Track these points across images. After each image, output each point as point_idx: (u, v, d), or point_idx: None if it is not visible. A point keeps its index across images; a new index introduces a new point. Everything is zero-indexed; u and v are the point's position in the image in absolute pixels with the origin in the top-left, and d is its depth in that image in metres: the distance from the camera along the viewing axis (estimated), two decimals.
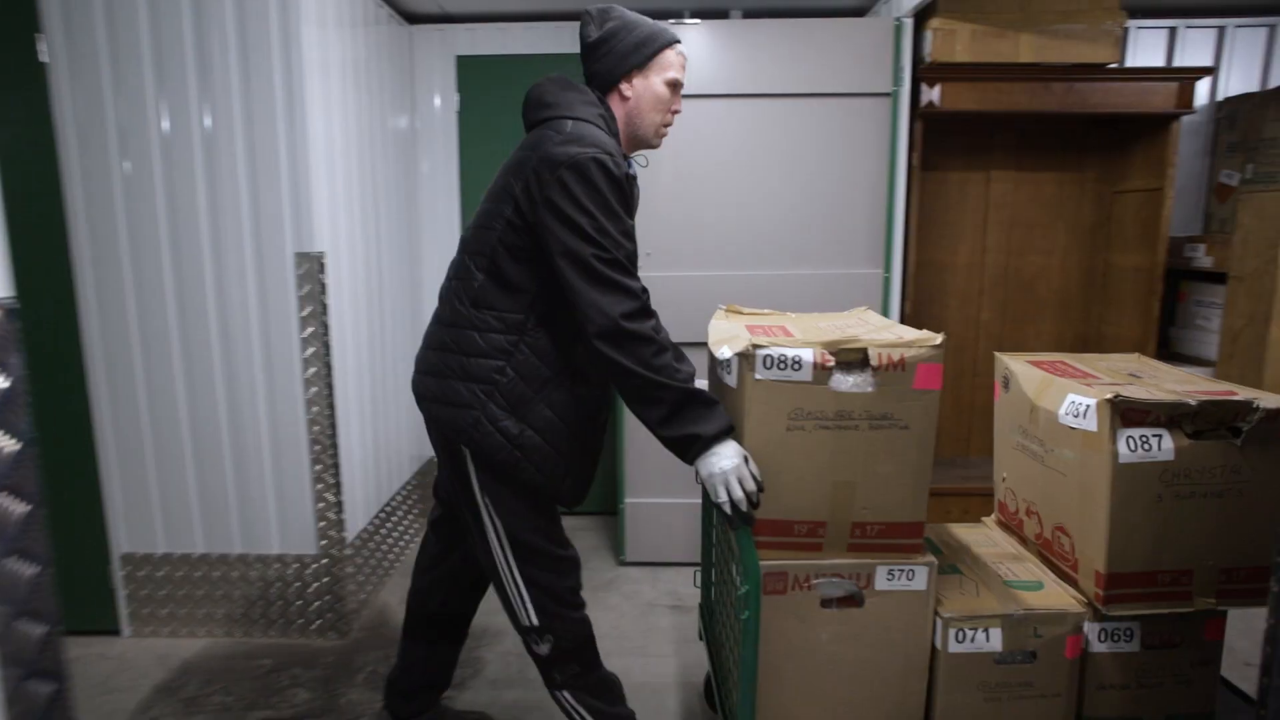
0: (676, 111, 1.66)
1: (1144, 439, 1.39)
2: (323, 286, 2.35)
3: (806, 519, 1.48)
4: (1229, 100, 3.17)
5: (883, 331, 1.53)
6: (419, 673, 1.92)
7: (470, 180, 3.40)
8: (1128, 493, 1.41)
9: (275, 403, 2.39)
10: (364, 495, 2.72)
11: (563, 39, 3.30)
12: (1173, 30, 3.19)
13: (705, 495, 1.79)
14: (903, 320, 2.92)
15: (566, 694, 1.68)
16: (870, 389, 1.41)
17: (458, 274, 1.60)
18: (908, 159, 2.81)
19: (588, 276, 1.42)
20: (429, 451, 3.51)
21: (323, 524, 2.46)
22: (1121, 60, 2.74)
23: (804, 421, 1.42)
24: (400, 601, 2.78)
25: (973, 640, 1.49)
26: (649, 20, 1.61)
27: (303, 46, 2.23)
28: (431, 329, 1.66)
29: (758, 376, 1.41)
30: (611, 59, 1.57)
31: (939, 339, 1.42)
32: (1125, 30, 2.90)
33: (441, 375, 1.58)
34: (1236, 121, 3.11)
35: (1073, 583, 1.57)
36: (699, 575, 2.08)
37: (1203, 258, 3.04)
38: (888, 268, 2.88)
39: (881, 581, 1.50)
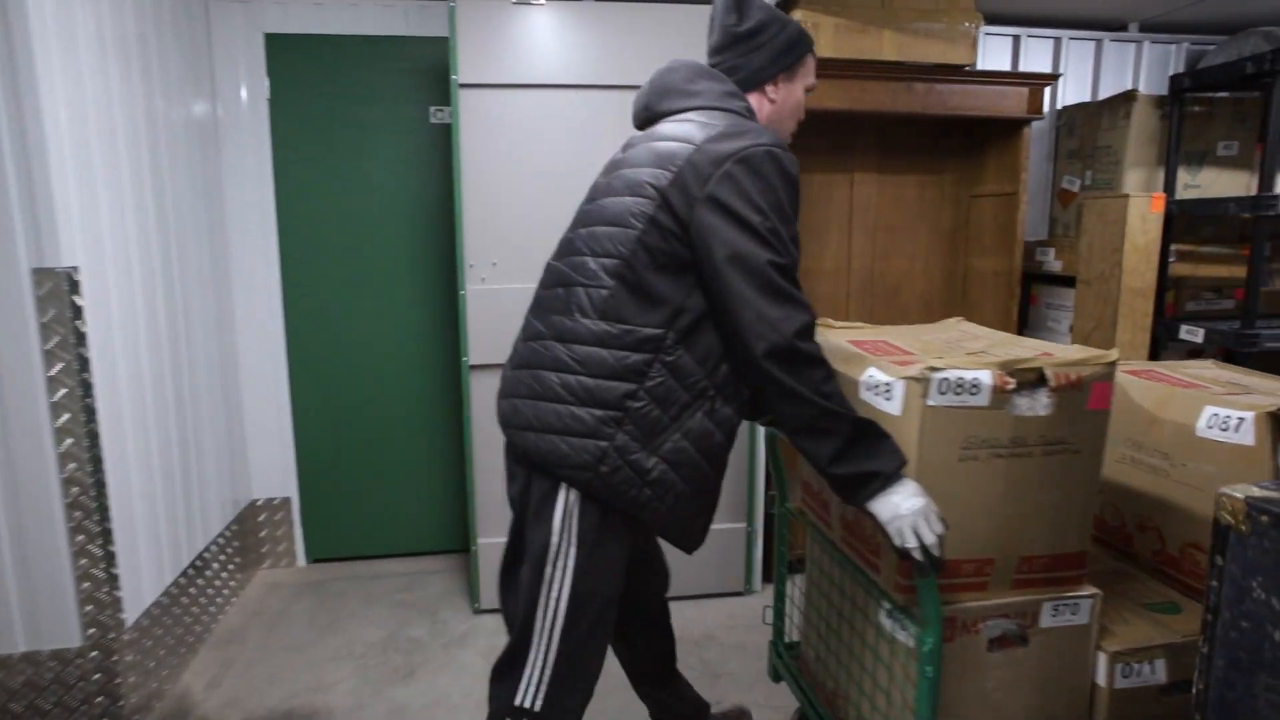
0: (802, 120, 1.56)
1: None
2: (76, 310, 1.86)
3: (975, 557, 1.36)
4: (1067, 108, 3.26)
5: (1013, 347, 1.45)
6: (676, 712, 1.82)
7: (288, 178, 2.93)
8: None
9: (11, 463, 1.87)
10: (154, 560, 2.23)
11: (391, 20, 2.90)
12: (1017, 39, 3.24)
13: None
14: None
15: None
16: (1045, 412, 1.31)
17: (573, 280, 1.36)
18: None
19: (759, 285, 1.24)
20: (251, 494, 3.01)
21: (89, 607, 1.96)
22: (975, 64, 2.71)
23: (978, 450, 1.30)
24: (207, 685, 2.31)
25: (1139, 674, 1.40)
26: (784, 15, 1.46)
27: (28, 12, 1.74)
28: (532, 346, 1.39)
29: (931, 403, 1.27)
30: (762, 56, 1.43)
31: (1113, 355, 1.34)
32: (1002, 32, 2.89)
33: (552, 400, 1.32)
34: (1075, 129, 3.19)
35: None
36: (768, 612, 1.98)
37: (1052, 261, 3.09)
38: None
39: (1046, 618, 1.39)
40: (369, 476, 3.14)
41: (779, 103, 1.48)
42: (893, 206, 3.20)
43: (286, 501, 3.08)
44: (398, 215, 3.02)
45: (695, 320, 1.32)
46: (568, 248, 1.41)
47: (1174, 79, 2.84)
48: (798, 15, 2.55)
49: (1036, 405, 1.30)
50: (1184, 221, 2.92)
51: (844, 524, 1.56)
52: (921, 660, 1.27)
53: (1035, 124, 2.98)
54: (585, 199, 1.45)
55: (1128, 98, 2.93)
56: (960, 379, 1.26)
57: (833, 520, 1.62)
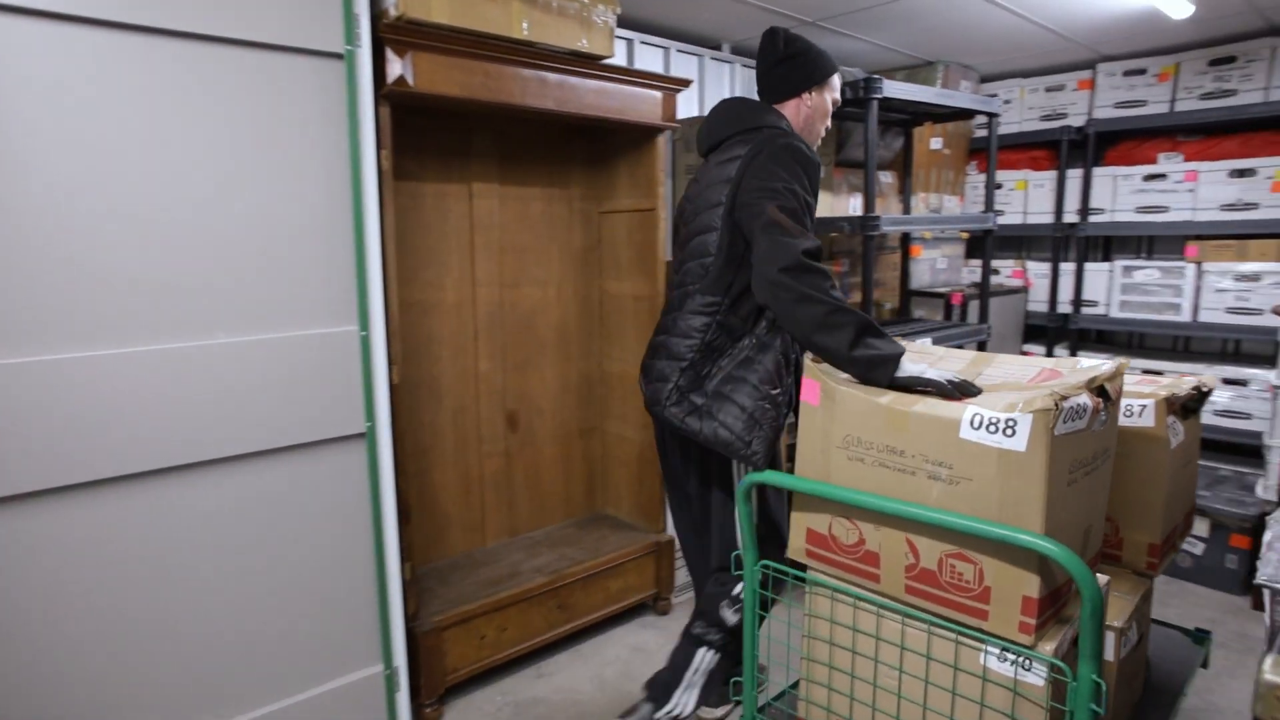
0: (828, 127, 2.01)
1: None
2: None
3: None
4: (683, 122, 3.11)
5: (1011, 366, 1.53)
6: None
7: None
8: None
9: None
10: None
11: None
12: (630, 43, 2.97)
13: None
14: (391, 392, 2.00)
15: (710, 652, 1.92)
16: (1103, 426, 1.37)
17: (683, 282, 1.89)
18: (377, 159, 1.89)
19: (777, 226, 1.63)
20: None
21: None
22: (614, 56, 2.31)
23: (1077, 473, 1.31)
24: None
25: None
26: (819, 47, 1.93)
27: None
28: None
29: (1058, 433, 1.22)
30: (800, 73, 1.90)
31: (1126, 363, 1.48)
32: (618, 34, 2.50)
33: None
34: (691, 144, 3.06)
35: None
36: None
37: None
38: (364, 321, 1.92)
39: None
40: None
41: (811, 108, 1.92)
42: (519, 224, 2.66)
43: None
44: None
45: (743, 289, 1.78)
46: (679, 262, 1.92)
47: None
48: None
49: (1103, 420, 1.37)
50: None
51: (918, 574, 1.39)
52: (1079, 703, 1.21)
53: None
54: (678, 218, 1.99)
55: None
56: (1075, 405, 1.26)
57: (889, 572, 1.44)
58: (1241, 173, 3.17)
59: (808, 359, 1.55)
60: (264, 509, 1.80)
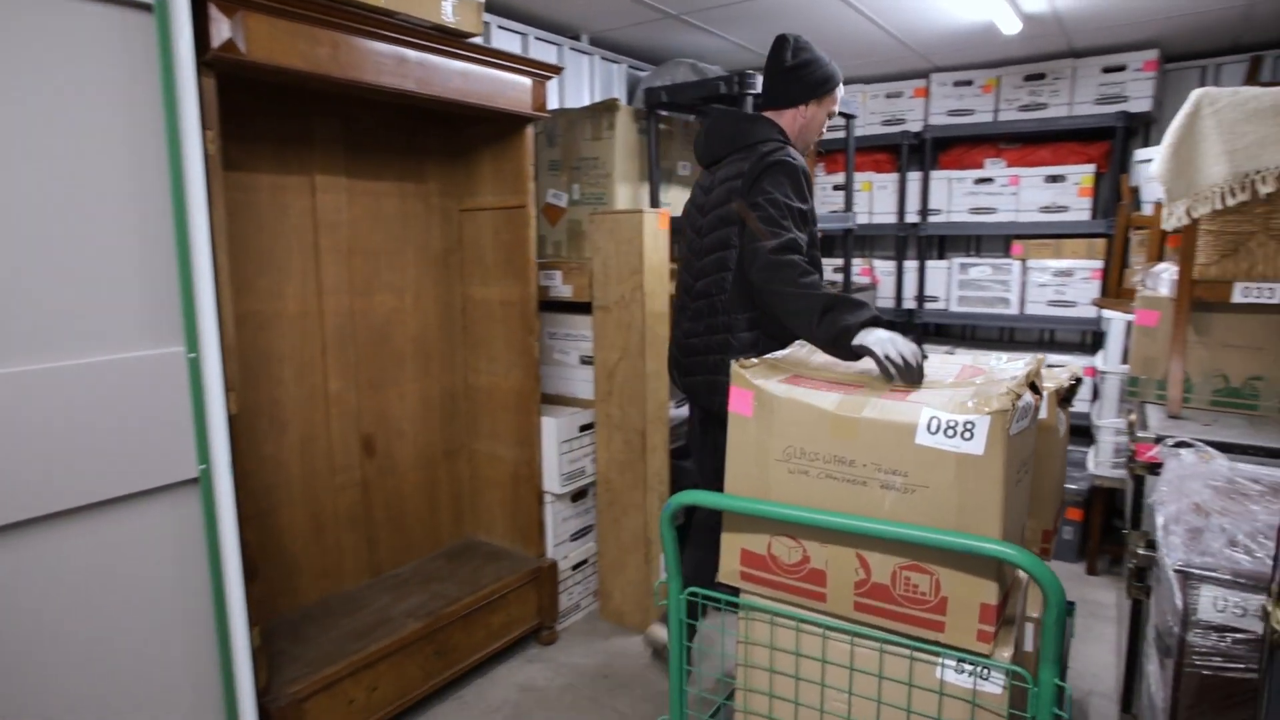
0: (822, 134, 2.16)
1: None
2: None
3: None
4: (553, 113, 2.91)
5: (950, 365, 1.51)
6: None
7: None
8: None
9: None
10: None
11: None
12: (488, 25, 2.73)
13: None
14: (231, 426, 1.65)
15: None
16: (1034, 423, 1.36)
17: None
18: (202, 142, 1.54)
19: (760, 231, 1.83)
20: None
21: None
22: (482, 35, 2.07)
23: (1021, 472, 1.29)
24: None
25: None
26: (826, 58, 2.06)
27: None
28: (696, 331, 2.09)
29: (1012, 432, 1.19)
30: (800, 86, 2.03)
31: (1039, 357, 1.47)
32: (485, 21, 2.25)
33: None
34: (555, 138, 2.87)
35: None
36: None
37: (560, 286, 2.70)
38: (192, 340, 1.56)
39: None
40: None
41: (806, 120, 2.07)
42: (370, 223, 2.34)
43: None
44: None
45: (734, 280, 2.00)
46: (697, 271, 2.10)
47: (650, 92, 2.73)
48: None
49: (1036, 416, 1.37)
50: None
51: (869, 590, 1.31)
52: (1041, 707, 1.16)
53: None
54: (685, 225, 2.21)
55: (609, 108, 2.71)
56: (1026, 404, 1.25)
57: (836, 590, 1.34)
58: (1054, 178, 3.48)
59: (737, 368, 1.43)
60: (71, 585, 1.40)
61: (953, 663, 1.25)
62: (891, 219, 3.93)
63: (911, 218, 3.88)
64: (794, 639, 1.39)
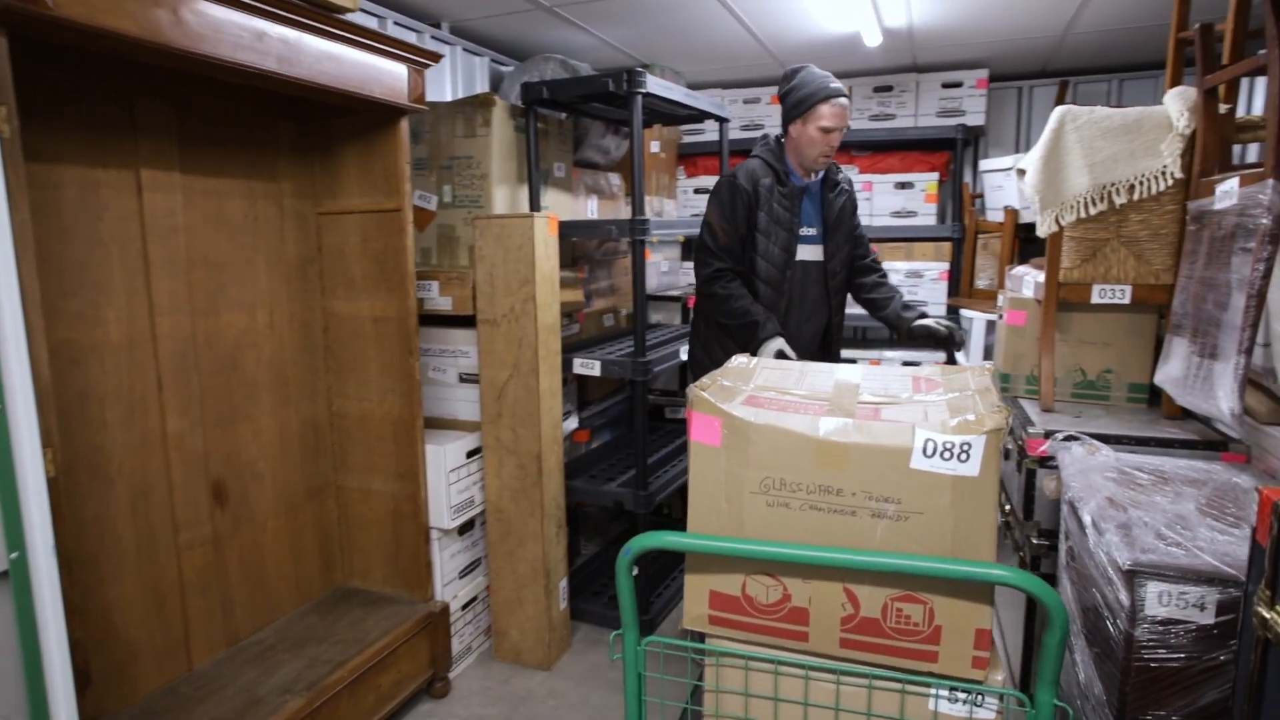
0: (833, 146, 2.25)
1: None
2: None
3: None
4: (432, 105, 2.61)
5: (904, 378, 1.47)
6: None
7: None
8: None
9: None
10: None
11: None
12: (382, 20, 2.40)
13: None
14: (51, 493, 1.29)
15: None
16: None
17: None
18: None
19: (695, 258, 2.36)
20: None
21: None
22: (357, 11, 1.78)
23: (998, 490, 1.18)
24: None
25: None
26: (815, 79, 2.22)
27: None
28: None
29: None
30: (783, 109, 2.30)
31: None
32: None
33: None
34: (422, 134, 2.59)
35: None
36: None
37: (438, 298, 2.44)
38: None
39: None
40: None
41: (795, 138, 2.28)
42: (213, 228, 1.97)
43: None
44: None
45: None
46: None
47: (529, 88, 2.53)
48: None
49: None
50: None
51: (857, 625, 1.23)
52: None
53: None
54: None
55: (485, 103, 2.48)
56: (1010, 422, 1.20)
57: (820, 628, 1.26)
58: (903, 185, 3.69)
59: (698, 391, 1.30)
60: None
61: (946, 692, 1.21)
62: None
63: None
64: (773, 684, 1.29)
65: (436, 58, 2.07)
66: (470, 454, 2.42)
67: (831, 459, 1.19)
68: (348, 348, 2.28)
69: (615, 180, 3.39)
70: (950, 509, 1.15)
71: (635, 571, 1.41)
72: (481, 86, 3.14)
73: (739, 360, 1.59)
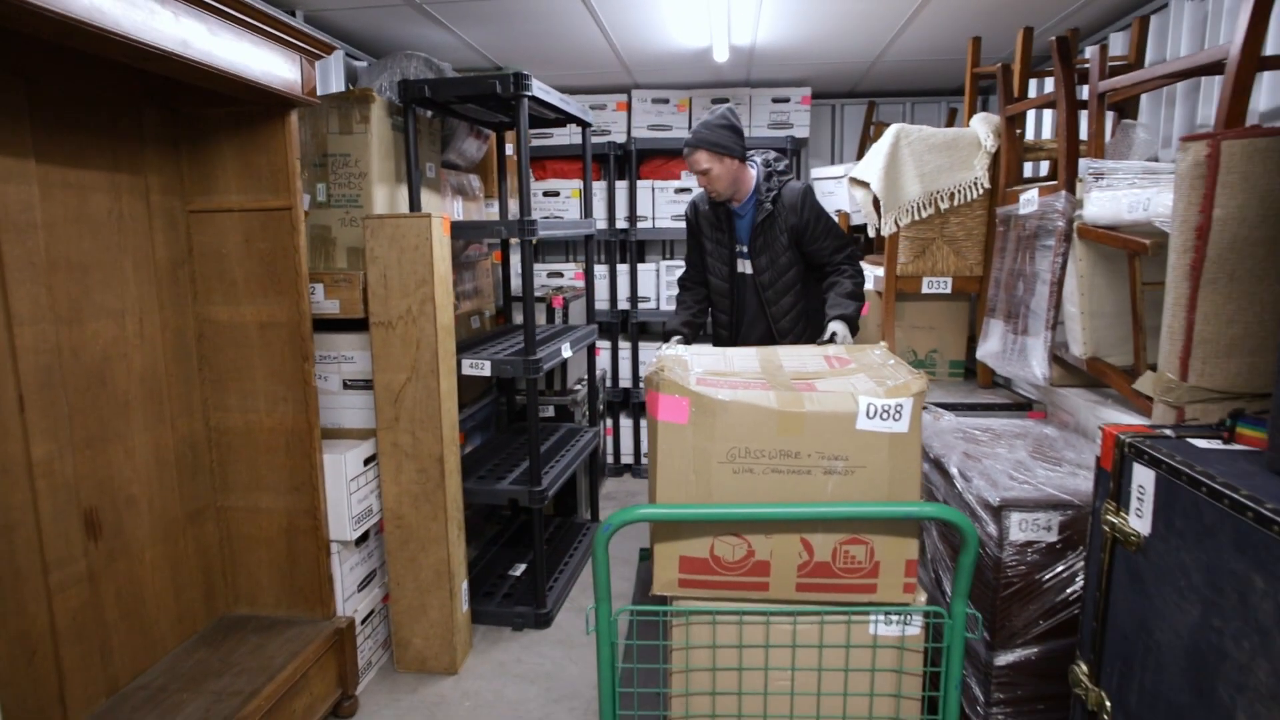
0: (712, 185, 2.63)
1: None
2: None
3: None
4: (324, 98, 2.46)
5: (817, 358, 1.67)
6: None
7: None
8: None
9: None
10: None
11: None
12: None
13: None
14: None
15: None
16: None
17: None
18: None
19: None
20: None
21: None
22: None
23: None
24: None
25: None
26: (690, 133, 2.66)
27: None
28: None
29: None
30: None
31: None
32: None
33: None
34: (320, 132, 2.45)
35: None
36: None
37: (324, 301, 2.33)
38: None
39: None
40: None
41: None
42: (75, 226, 1.76)
43: None
44: None
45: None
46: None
47: (408, 85, 2.49)
48: None
49: None
50: None
51: (811, 569, 1.41)
52: (956, 634, 1.39)
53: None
54: None
55: (363, 99, 2.41)
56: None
57: (779, 577, 1.43)
58: None
59: (663, 375, 1.42)
60: None
61: (883, 617, 1.43)
62: (604, 224, 4.14)
63: (621, 224, 4.14)
64: (735, 634, 1.44)
65: (329, 49, 2.00)
66: (367, 461, 2.34)
67: (789, 427, 1.36)
68: (228, 356, 2.12)
69: (476, 182, 3.39)
70: (887, 461, 1.37)
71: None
72: (336, 81, 3.01)
73: (668, 351, 1.72)
